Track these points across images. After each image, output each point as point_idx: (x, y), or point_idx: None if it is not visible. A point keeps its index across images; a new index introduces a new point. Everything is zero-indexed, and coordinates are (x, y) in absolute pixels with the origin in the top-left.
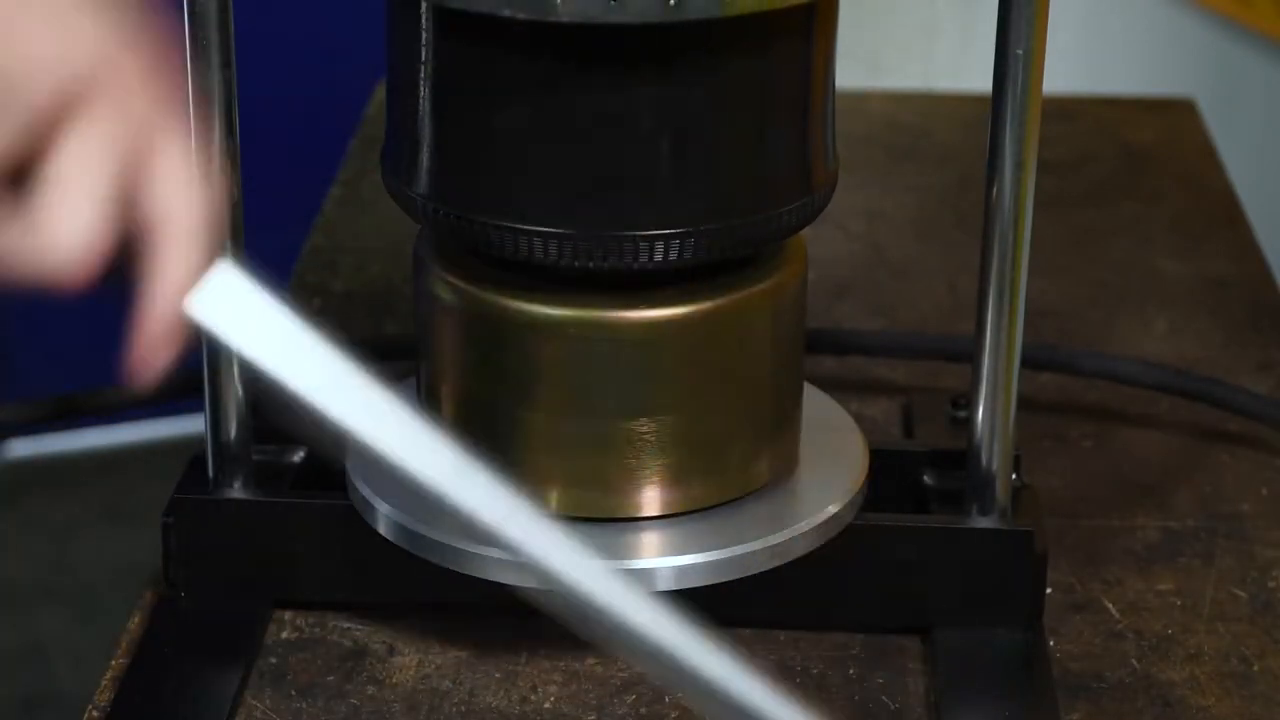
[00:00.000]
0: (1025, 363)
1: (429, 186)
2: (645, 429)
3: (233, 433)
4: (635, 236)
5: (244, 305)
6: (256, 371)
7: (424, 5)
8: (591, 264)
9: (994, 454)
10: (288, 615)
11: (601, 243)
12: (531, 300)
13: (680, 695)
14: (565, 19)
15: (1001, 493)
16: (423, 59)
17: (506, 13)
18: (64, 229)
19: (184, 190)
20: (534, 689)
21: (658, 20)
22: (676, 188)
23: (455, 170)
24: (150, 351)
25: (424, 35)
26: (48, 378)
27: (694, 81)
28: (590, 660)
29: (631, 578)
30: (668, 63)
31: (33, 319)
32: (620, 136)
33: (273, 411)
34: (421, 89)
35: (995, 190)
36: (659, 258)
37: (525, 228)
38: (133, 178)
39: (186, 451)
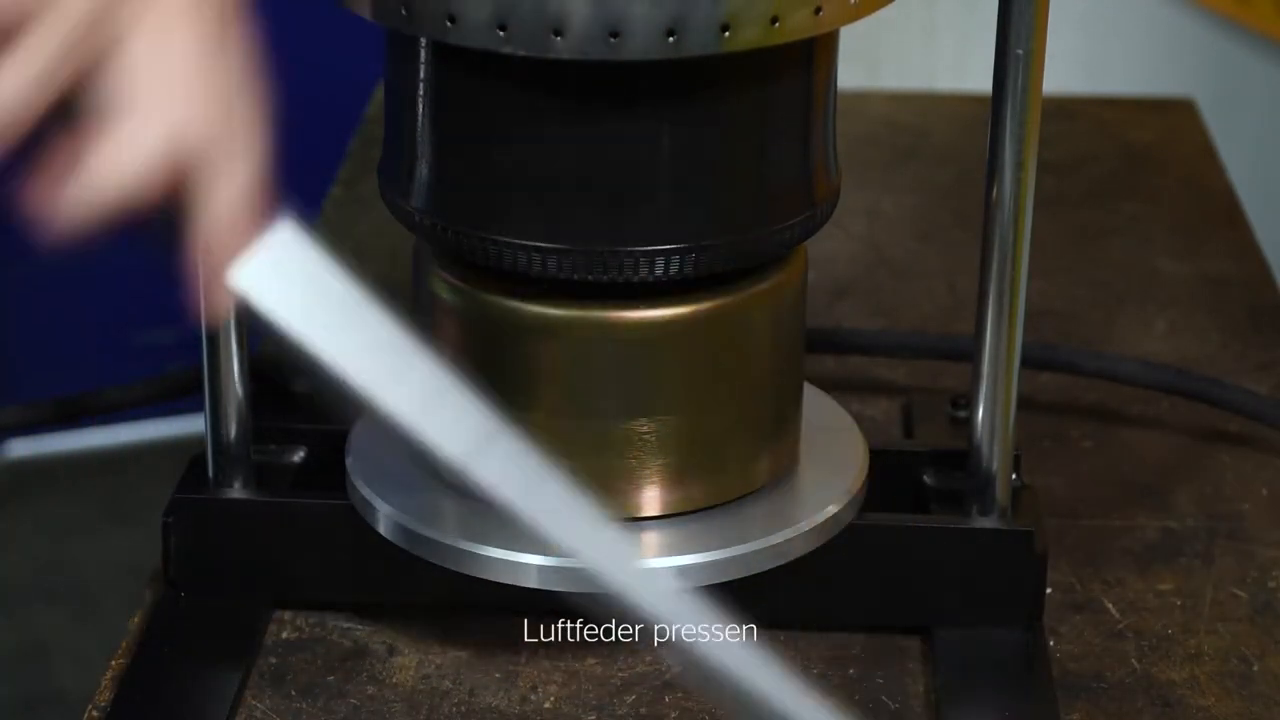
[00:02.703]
0: (1025, 363)
1: (428, 202)
2: (645, 429)
3: (233, 433)
4: (635, 252)
5: (290, 279)
6: (300, 348)
7: (424, 40)
8: (591, 277)
9: (994, 454)
10: (288, 615)
11: (601, 258)
12: (531, 300)
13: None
14: (566, 56)
15: (1001, 493)
16: (422, 83)
17: (507, 50)
18: (130, 151)
19: (245, 127)
20: (534, 689)
21: (658, 57)
22: (677, 207)
23: (454, 189)
24: (211, 281)
25: (424, 66)
26: (47, 379)
27: (694, 109)
28: (590, 660)
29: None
30: (668, 94)
31: (33, 320)
32: (620, 162)
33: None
34: (421, 114)
35: (995, 190)
36: (659, 272)
37: (525, 243)
38: (193, 110)
39: (186, 451)
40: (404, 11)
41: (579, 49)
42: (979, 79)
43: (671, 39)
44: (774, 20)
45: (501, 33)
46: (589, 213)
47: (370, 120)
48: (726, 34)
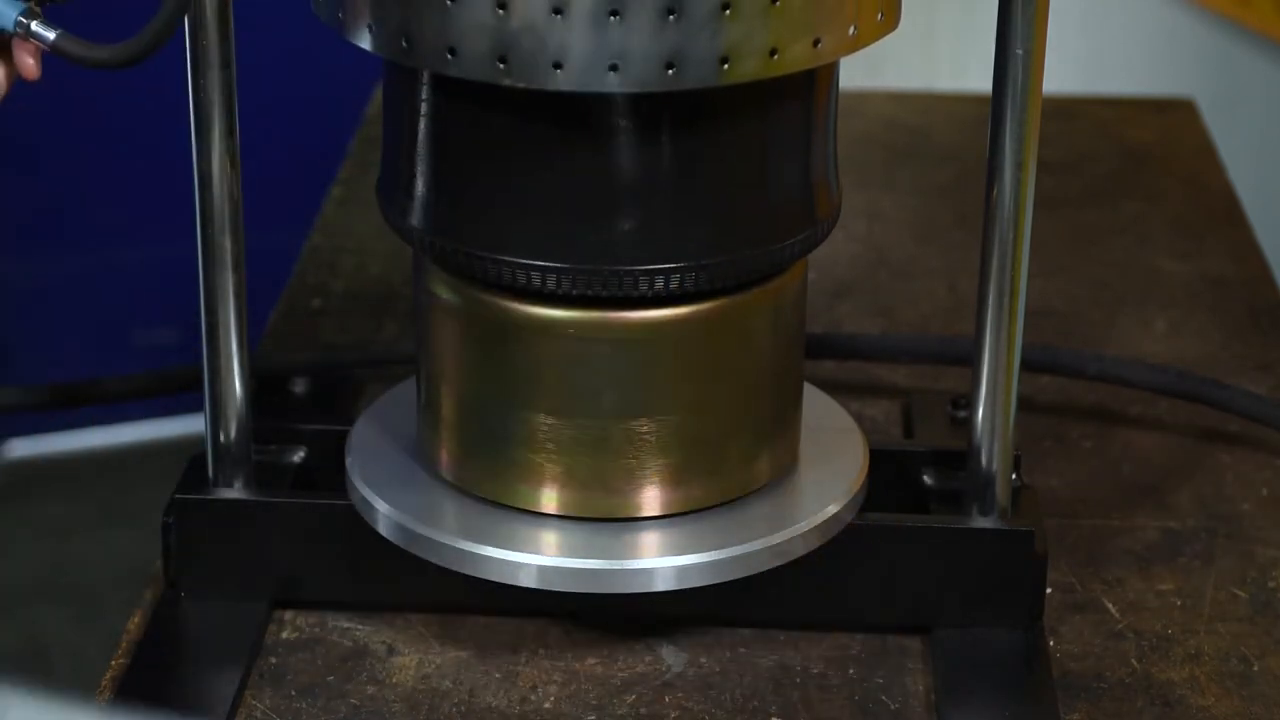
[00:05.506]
0: (1026, 366)
1: (431, 223)
2: (645, 429)
3: (233, 433)
4: (635, 271)
5: None
6: None
7: (426, 73)
8: (591, 293)
9: (994, 454)
10: (288, 615)
11: (602, 276)
12: (532, 302)
13: None
14: (565, 88)
15: (1001, 493)
16: (424, 111)
17: (507, 82)
18: None
19: None
20: (534, 689)
21: (657, 89)
22: (678, 228)
23: (458, 212)
24: None
25: (426, 95)
26: (48, 372)
27: (695, 137)
28: (590, 660)
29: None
30: (668, 122)
31: (34, 318)
32: (621, 186)
33: None
34: (424, 140)
35: (995, 190)
36: (659, 287)
37: (531, 263)
38: None
39: (186, 451)
40: (404, 44)
41: (579, 82)
42: (979, 79)
43: (670, 71)
44: (772, 53)
45: (502, 65)
46: (592, 234)
47: (370, 120)
48: (725, 66)
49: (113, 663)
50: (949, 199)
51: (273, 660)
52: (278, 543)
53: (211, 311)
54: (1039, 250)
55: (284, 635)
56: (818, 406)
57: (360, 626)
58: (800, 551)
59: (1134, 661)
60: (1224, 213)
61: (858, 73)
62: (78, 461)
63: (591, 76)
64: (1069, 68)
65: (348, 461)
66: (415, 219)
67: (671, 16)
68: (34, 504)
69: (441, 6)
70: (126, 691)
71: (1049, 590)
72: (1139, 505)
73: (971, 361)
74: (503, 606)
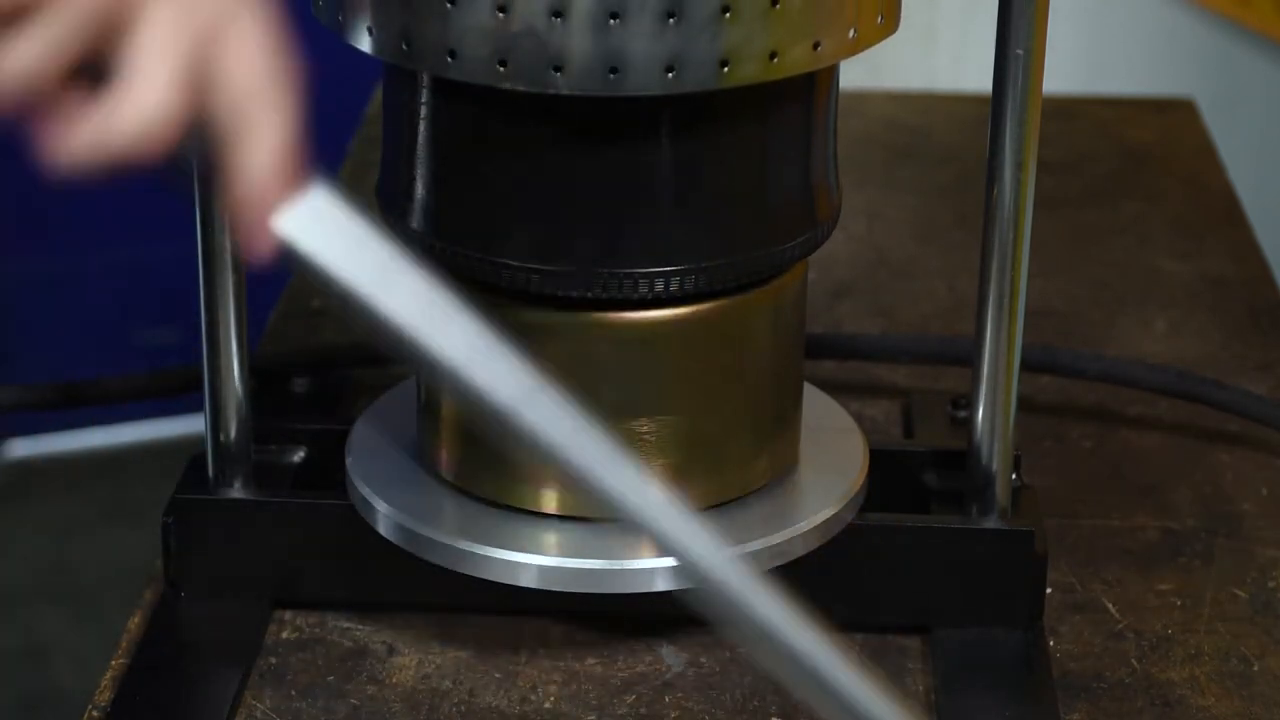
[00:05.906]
0: (1026, 366)
1: (432, 226)
2: (645, 429)
3: (233, 433)
4: (635, 274)
5: (334, 228)
6: (345, 295)
7: (426, 76)
8: (590, 295)
9: (994, 454)
10: (288, 615)
11: (602, 279)
12: (532, 301)
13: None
14: (565, 92)
15: (1001, 493)
16: (423, 114)
17: (507, 85)
18: (137, 106)
19: (261, 68)
20: (534, 689)
21: (657, 93)
22: (678, 231)
23: (458, 215)
24: (255, 230)
25: (426, 98)
26: (48, 371)
27: (693, 139)
28: (590, 660)
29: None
30: (668, 124)
31: (35, 309)
32: (621, 189)
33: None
34: (424, 143)
35: (995, 190)
36: (659, 290)
37: (528, 265)
38: (208, 57)
39: (186, 451)
40: (404, 46)
41: (579, 85)
42: (979, 79)
43: (670, 74)
44: (772, 56)
45: (502, 69)
46: (592, 237)
47: (370, 120)
48: (725, 69)
49: (113, 663)
50: (949, 199)
51: (273, 660)
52: (278, 543)
53: (211, 311)
54: (1039, 250)
55: (284, 635)
56: (818, 406)
57: (360, 626)
58: (800, 551)
59: (1134, 661)
60: (1224, 213)
61: (858, 73)
62: (78, 461)
63: (591, 79)
64: (1069, 68)
65: (348, 461)
66: (415, 221)
67: (671, 19)
68: (34, 504)
69: (441, 9)
70: (126, 691)
71: (1049, 590)
72: (1139, 505)
73: (971, 361)
74: (503, 606)
